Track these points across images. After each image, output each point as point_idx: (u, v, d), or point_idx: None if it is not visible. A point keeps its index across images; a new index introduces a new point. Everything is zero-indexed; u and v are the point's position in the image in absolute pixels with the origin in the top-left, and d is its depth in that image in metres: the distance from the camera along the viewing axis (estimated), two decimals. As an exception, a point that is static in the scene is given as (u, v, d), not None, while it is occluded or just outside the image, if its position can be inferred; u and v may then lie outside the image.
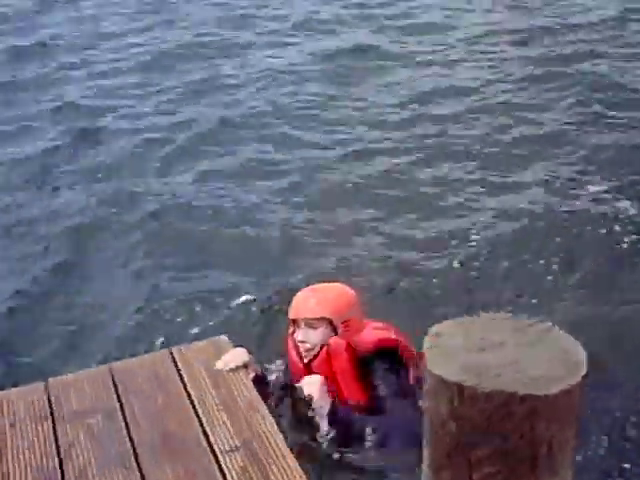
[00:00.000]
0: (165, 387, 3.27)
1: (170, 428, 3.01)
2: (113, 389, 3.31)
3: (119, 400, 3.23)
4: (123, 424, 3.08)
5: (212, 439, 2.91)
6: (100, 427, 3.08)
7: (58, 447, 3.01)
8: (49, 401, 3.30)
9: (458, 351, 1.45)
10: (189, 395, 3.20)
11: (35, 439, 3.07)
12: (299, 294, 3.45)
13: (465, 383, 1.37)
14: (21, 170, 6.88)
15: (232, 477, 2.71)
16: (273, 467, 2.73)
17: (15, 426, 3.16)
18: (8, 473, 2.89)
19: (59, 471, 2.89)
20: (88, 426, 3.10)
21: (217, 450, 2.85)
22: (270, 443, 2.86)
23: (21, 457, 2.97)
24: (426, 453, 1.50)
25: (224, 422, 3.00)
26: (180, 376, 3.31)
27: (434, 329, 1.53)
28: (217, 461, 2.80)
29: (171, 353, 3.49)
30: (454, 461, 1.43)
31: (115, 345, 4.25)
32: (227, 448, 2.84)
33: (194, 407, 3.11)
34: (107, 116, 8.00)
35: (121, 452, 2.93)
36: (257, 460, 2.78)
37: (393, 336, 3.44)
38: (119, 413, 3.15)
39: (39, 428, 3.13)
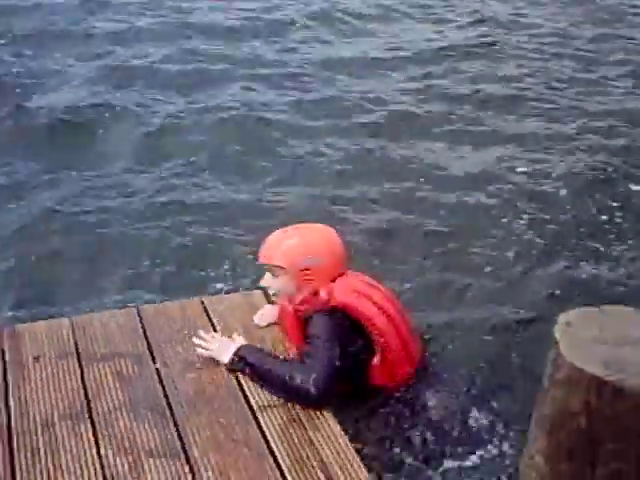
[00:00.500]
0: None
1: (203, 379, 2.98)
2: (142, 333, 3.26)
3: (148, 345, 3.18)
4: (154, 370, 3.04)
5: (249, 394, 2.88)
6: (129, 371, 3.04)
7: (85, 386, 2.97)
8: (74, 338, 3.24)
9: (594, 344, 1.42)
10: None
11: (61, 375, 3.02)
12: (270, 235, 3.13)
13: (607, 378, 1.35)
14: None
15: (271, 433, 2.69)
16: (313, 427, 2.71)
17: (39, 360, 3.11)
18: (34, 407, 2.84)
19: (87, 409, 2.84)
20: (116, 368, 3.05)
21: (254, 406, 2.82)
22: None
23: (47, 393, 2.93)
24: (543, 442, 1.47)
25: (261, 377, 2.96)
26: (213, 327, 3.26)
27: (563, 318, 1.51)
28: (255, 416, 2.77)
29: (202, 302, 3.44)
30: (578, 455, 1.41)
31: (140, 288, 4.17)
32: (265, 404, 2.82)
33: (229, 360, 3.06)
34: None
35: (152, 398, 2.89)
36: (297, 419, 2.76)
37: (368, 310, 2.97)
38: (149, 358, 3.11)
39: (64, 365, 3.08)
